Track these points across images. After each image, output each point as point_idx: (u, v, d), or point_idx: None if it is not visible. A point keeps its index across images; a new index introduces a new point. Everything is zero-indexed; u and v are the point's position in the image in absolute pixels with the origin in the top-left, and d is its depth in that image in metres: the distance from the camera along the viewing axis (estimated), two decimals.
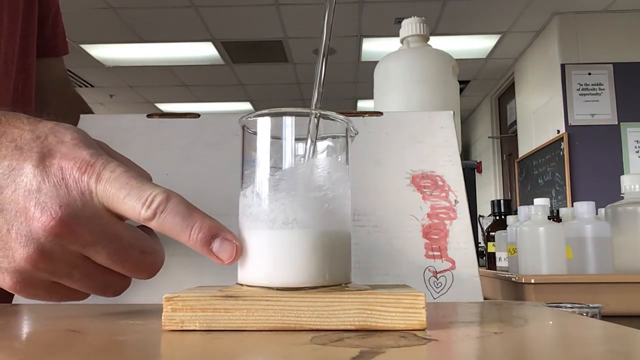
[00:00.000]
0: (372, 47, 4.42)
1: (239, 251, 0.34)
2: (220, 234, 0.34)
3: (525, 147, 4.58)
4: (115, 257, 0.35)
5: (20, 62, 0.66)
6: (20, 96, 0.66)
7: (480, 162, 5.91)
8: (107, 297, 0.38)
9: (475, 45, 4.46)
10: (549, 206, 0.98)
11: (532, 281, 0.74)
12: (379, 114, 0.62)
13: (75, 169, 0.34)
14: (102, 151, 0.36)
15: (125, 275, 0.37)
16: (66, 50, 0.80)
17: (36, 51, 0.71)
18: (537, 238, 0.86)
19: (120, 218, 0.36)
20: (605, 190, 2.33)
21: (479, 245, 1.45)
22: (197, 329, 0.32)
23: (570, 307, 0.48)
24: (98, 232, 0.34)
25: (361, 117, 0.61)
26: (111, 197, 0.34)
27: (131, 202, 0.34)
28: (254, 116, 0.36)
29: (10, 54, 0.64)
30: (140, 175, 0.35)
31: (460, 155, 0.60)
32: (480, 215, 1.55)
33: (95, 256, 0.35)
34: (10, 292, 0.36)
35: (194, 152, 0.59)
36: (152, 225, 0.34)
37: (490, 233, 1.23)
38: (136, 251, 0.36)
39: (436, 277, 0.51)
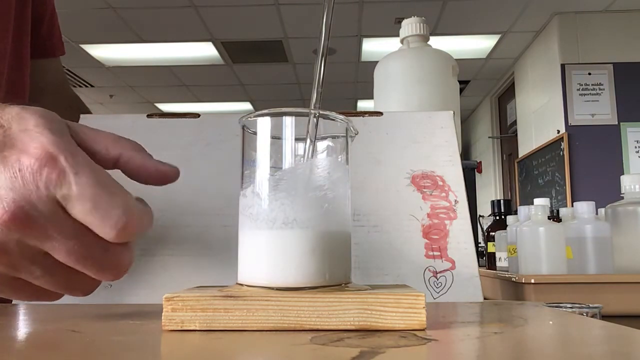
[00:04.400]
0: (372, 47, 4.42)
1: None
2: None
3: (525, 147, 4.58)
4: (77, 255, 0.33)
5: (12, 60, 0.66)
6: (12, 94, 0.66)
7: (480, 162, 5.91)
8: (77, 296, 0.37)
9: (475, 45, 4.45)
10: (549, 206, 0.97)
11: (532, 281, 0.74)
12: (379, 114, 0.62)
13: (34, 161, 0.32)
14: (68, 138, 0.34)
15: (91, 278, 0.36)
16: (62, 51, 0.80)
17: (33, 52, 0.71)
18: (537, 238, 0.86)
19: None
20: (605, 190, 2.32)
21: (479, 245, 1.45)
22: (197, 329, 0.32)
23: (570, 307, 0.48)
24: (55, 228, 0.33)
25: (361, 117, 0.61)
26: (74, 201, 0.33)
27: (95, 221, 0.33)
28: (254, 116, 0.36)
29: (1, 51, 0.64)
30: (104, 180, 0.34)
31: (460, 155, 0.61)
32: (480, 215, 1.55)
33: (54, 253, 0.33)
34: None
35: (194, 152, 0.59)
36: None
37: (490, 233, 1.23)
38: (99, 250, 0.34)
39: (436, 277, 0.51)
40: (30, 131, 0.33)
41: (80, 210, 0.32)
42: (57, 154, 0.33)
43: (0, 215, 0.32)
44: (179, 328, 0.32)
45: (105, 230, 0.33)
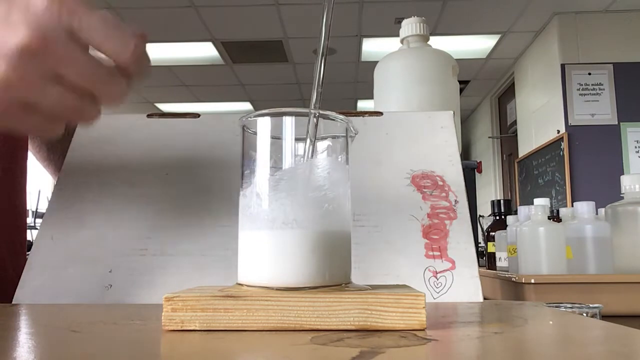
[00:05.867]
0: (372, 47, 4.42)
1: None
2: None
3: (525, 147, 4.58)
4: (88, 74, 0.38)
5: None
6: None
7: (480, 162, 5.91)
8: (80, 123, 0.41)
9: (475, 45, 4.45)
10: (549, 206, 0.97)
11: (532, 281, 0.74)
12: (379, 114, 0.62)
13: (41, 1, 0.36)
14: None
15: (96, 103, 0.40)
16: None
17: None
18: (537, 238, 0.86)
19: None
20: (605, 190, 2.33)
21: (479, 245, 1.45)
22: (197, 329, 0.32)
23: (570, 307, 0.48)
24: (69, 51, 0.37)
25: (361, 117, 0.61)
26: (88, 29, 0.37)
27: (111, 44, 0.37)
28: (254, 116, 0.36)
29: None
30: (110, 16, 0.38)
31: (460, 155, 0.61)
32: (480, 215, 1.55)
33: (68, 72, 0.37)
34: None
35: (194, 152, 0.59)
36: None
37: (490, 233, 1.23)
38: (105, 72, 0.39)
39: (436, 277, 0.51)
40: None
41: (95, 36, 0.37)
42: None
43: (20, 39, 0.35)
44: (179, 328, 0.32)
45: (120, 49, 0.38)
